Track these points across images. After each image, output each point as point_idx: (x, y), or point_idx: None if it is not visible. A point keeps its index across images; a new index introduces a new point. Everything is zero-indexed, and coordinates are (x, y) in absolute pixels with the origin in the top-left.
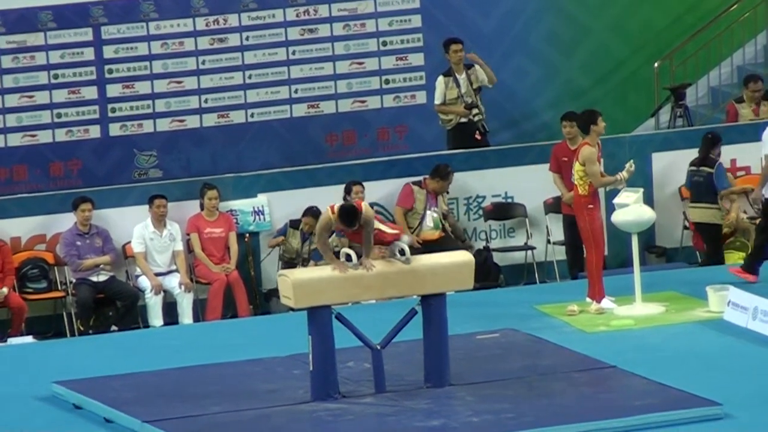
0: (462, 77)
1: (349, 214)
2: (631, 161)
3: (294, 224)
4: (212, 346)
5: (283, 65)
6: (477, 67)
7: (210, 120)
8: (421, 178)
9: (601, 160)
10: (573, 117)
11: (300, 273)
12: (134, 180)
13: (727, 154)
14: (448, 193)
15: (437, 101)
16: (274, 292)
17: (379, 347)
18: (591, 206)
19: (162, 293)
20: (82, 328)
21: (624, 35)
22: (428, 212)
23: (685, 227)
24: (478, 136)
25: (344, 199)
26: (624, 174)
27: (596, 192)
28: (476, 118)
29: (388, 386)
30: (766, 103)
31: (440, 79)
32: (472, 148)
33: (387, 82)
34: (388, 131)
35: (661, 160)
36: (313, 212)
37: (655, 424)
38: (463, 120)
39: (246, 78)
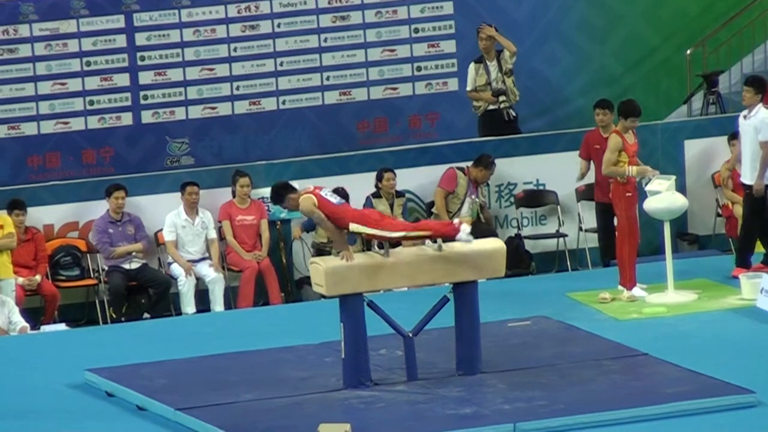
0: (492, 64)
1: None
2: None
3: None
4: (244, 334)
5: (314, 52)
6: (504, 51)
7: (242, 107)
8: (464, 165)
9: (637, 147)
10: (606, 105)
11: (332, 261)
12: (166, 167)
13: None
14: (488, 185)
15: (468, 87)
16: (306, 280)
17: (411, 335)
18: (629, 194)
19: (194, 277)
20: (114, 316)
21: (656, 22)
22: (468, 199)
23: (718, 214)
24: (506, 120)
25: (376, 186)
26: (633, 170)
27: (634, 181)
28: (503, 105)
29: (419, 374)
30: None
31: (472, 65)
32: (501, 135)
33: (419, 69)
34: (420, 118)
35: (693, 148)
36: (340, 193)
37: (687, 412)
38: (493, 106)
39: (278, 65)
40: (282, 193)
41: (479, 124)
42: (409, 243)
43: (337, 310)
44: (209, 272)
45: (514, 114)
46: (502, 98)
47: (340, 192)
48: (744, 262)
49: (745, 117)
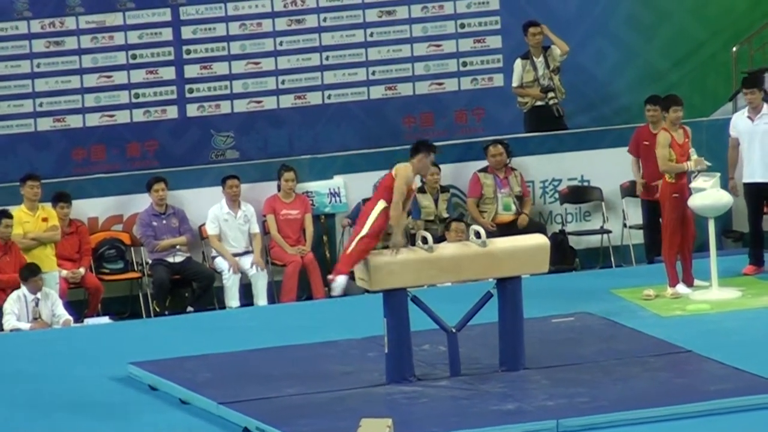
0: (539, 60)
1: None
2: (707, 163)
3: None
4: (287, 328)
5: (360, 47)
6: (553, 46)
7: (287, 101)
8: (485, 163)
9: (689, 144)
10: (657, 100)
11: (376, 255)
12: (211, 161)
13: None
14: (512, 170)
15: (514, 84)
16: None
17: (454, 330)
18: (676, 195)
19: (239, 273)
20: (158, 309)
21: (703, 19)
22: (499, 195)
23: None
24: (556, 116)
25: (421, 181)
26: (691, 163)
27: (684, 182)
28: (551, 102)
29: (463, 369)
30: None
31: (518, 61)
32: (548, 131)
33: (464, 64)
34: (466, 114)
35: None
36: None
37: (730, 409)
38: (540, 103)
39: (323, 59)
40: (420, 149)
41: (526, 120)
42: (453, 237)
43: (380, 305)
44: (252, 267)
45: (562, 111)
46: (550, 95)
47: None
48: (757, 260)
49: (750, 118)
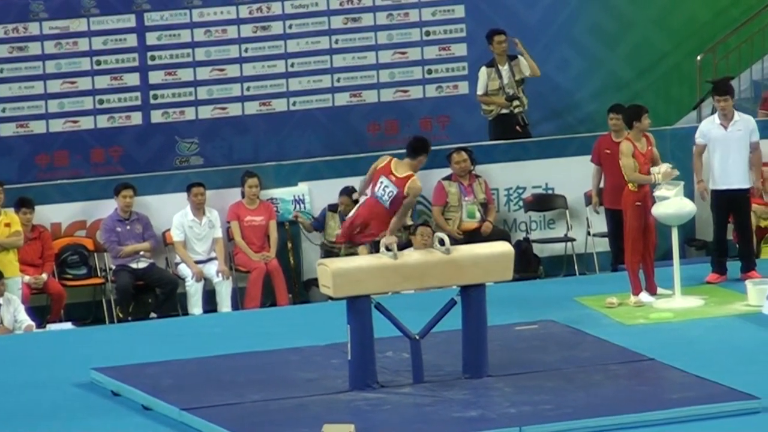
0: (504, 68)
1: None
2: (674, 168)
3: (333, 208)
4: (251, 335)
5: (325, 54)
6: (520, 58)
7: (252, 108)
8: (450, 171)
9: (653, 150)
10: (620, 110)
11: (339, 262)
12: (175, 167)
13: (763, 148)
14: (476, 177)
15: (479, 91)
16: (314, 281)
17: (417, 337)
18: (639, 203)
19: (202, 281)
20: (121, 315)
21: (667, 28)
22: (463, 203)
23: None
24: (518, 129)
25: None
26: (659, 176)
27: (647, 190)
28: (516, 110)
29: (426, 376)
30: None
31: (483, 69)
32: (513, 139)
33: (429, 72)
34: (430, 121)
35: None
36: (348, 191)
37: (692, 417)
38: (505, 111)
39: (288, 66)
40: (426, 148)
41: (490, 128)
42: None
43: (344, 312)
44: (217, 275)
45: (527, 120)
46: (515, 103)
47: (351, 191)
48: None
49: (723, 125)
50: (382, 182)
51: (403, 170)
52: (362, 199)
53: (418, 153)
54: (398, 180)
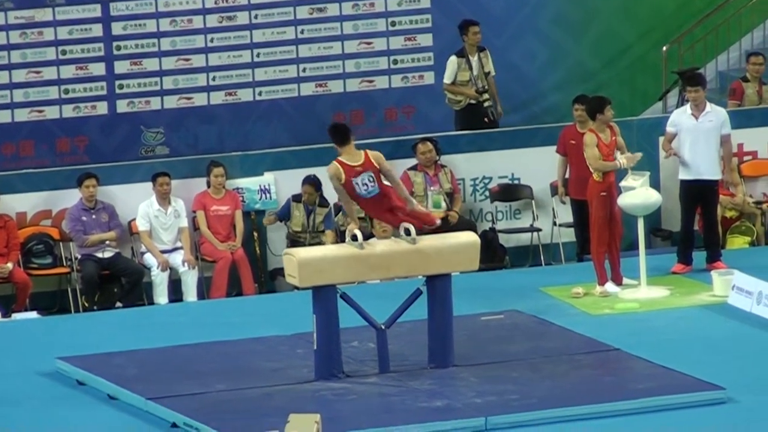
0: (475, 60)
1: (337, 129)
2: (639, 154)
3: (296, 198)
4: (216, 324)
5: (291, 44)
6: (488, 52)
7: (218, 98)
8: (415, 161)
9: (617, 139)
10: (585, 100)
11: (305, 252)
12: (141, 157)
13: (734, 138)
14: (442, 167)
15: (447, 80)
16: (280, 271)
17: (383, 327)
18: (603, 194)
19: (168, 270)
20: (86, 305)
21: (633, 18)
22: (429, 193)
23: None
24: (486, 120)
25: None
26: (623, 160)
27: (612, 180)
28: (486, 104)
29: (392, 366)
30: None
31: (453, 58)
32: (481, 130)
33: (395, 62)
34: (396, 111)
35: None
36: (311, 180)
37: (658, 408)
38: (473, 101)
39: (254, 56)
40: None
41: (457, 118)
42: (380, 233)
43: (310, 302)
44: (183, 264)
45: (496, 114)
46: (485, 96)
47: (313, 180)
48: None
49: (695, 116)
50: (356, 182)
51: (355, 157)
52: (357, 208)
53: (347, 137)
54: (363, 166)
